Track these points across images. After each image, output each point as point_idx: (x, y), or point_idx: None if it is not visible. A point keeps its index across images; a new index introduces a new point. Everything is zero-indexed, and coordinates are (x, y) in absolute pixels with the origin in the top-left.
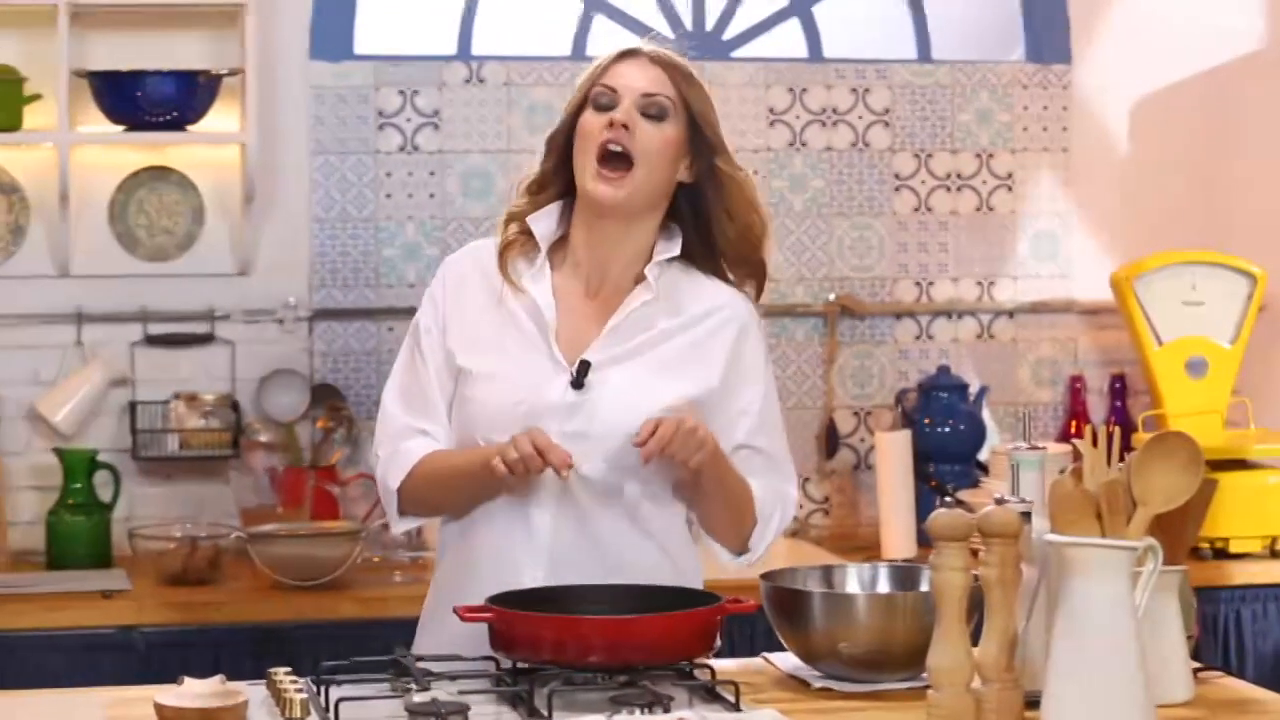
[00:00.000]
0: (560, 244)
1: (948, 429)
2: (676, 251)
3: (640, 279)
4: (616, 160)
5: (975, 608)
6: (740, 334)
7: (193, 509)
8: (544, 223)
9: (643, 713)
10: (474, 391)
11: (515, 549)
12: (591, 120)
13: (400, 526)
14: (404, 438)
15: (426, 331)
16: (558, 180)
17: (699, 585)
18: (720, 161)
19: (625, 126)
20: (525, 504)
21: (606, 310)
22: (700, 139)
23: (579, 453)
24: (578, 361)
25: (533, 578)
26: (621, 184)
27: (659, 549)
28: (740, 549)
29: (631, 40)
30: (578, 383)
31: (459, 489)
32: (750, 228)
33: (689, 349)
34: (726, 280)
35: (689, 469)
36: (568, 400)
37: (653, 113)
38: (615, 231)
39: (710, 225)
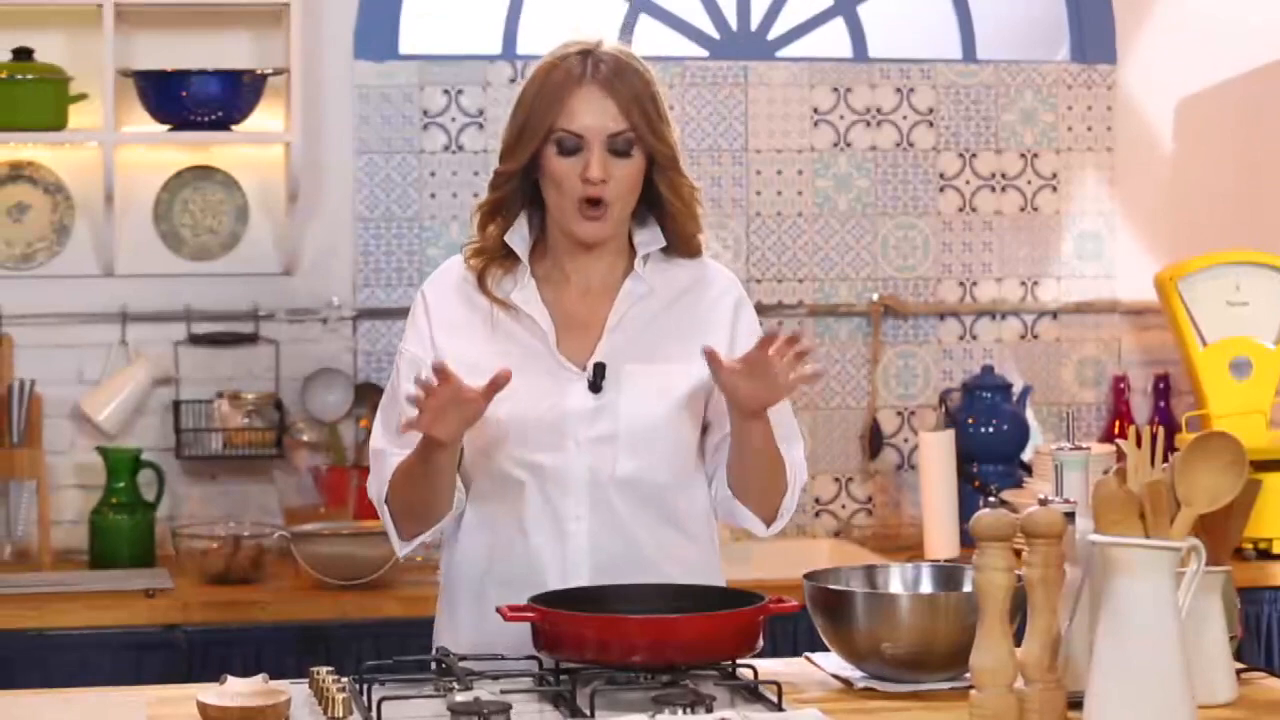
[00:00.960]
0: (537, 250)
1: (991, 429)
2: (662, 243)
3: (626, 273)
4: (596, 203)
5: (1018, 608)
6: (735, 308)
7: (236, 508)
8: (520, 242)
9: (685, 712)
10: (495, 410)
11: (553, 559)
12: (562, 167)
13: (404, 550)
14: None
15: (415, 362)
16: (514, 205)
17: (721, 576)
18: (674, 175)
19: (604, 181)
20: (562, 518)
21: (600, 307)
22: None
23: (610, 457)
24: (592, 365)
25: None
26: (604, 222)
27: (693, 542)
28: (771, 518)
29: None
30: (596, 386)
31: (421, 474)
32: (693, 227)
33: (691, 332)
34: (696, 255)
35: (780, 393)
36: (589, 405)
37: (620, 149)
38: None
39: (664, 218)
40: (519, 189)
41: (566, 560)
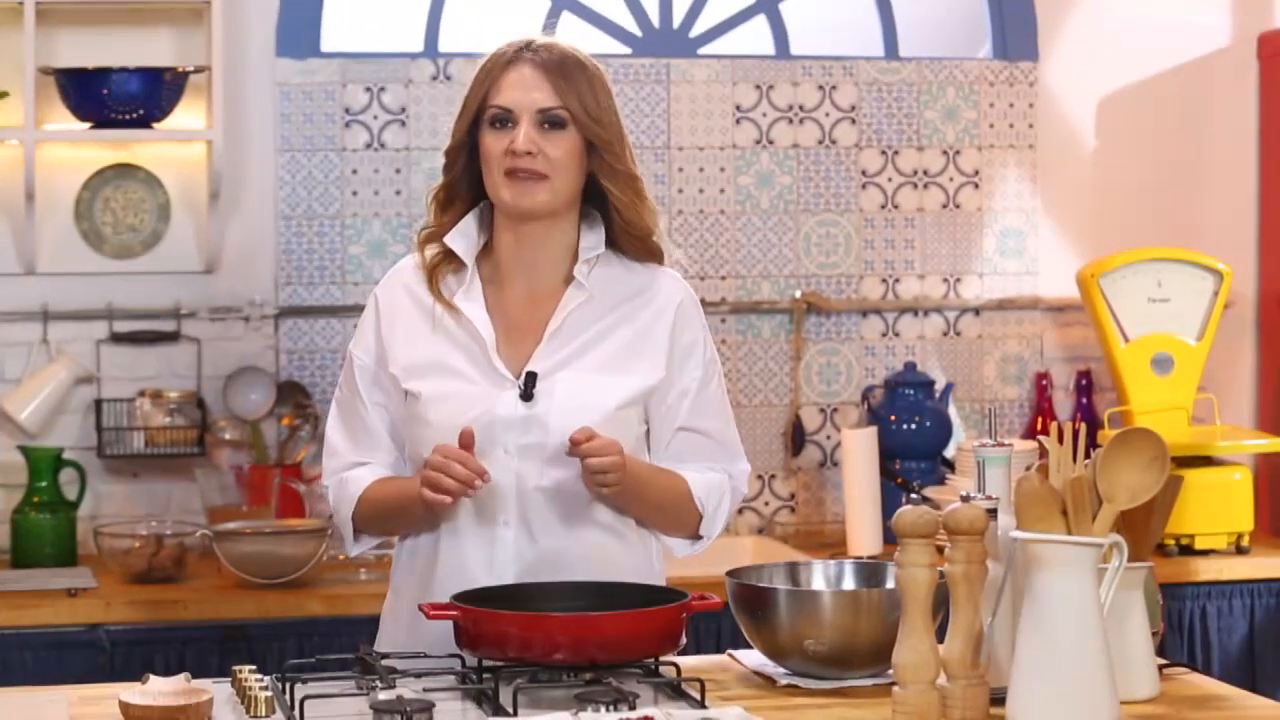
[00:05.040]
0: (485, 252)
1: (914, 426)
2: (602, 248)
3: (571, 279)
4: (529, 174)
5: (941, 604)
6: (678, 316)
7: (158, 507)
8: (462, 240)
9: (608, 710)
10: (427, 414)
11: (482, 565)
12: (493, 142)
13: (355, 550)
14: (347, 470)
15: (361, 366)
16: (466, 189)
17: (662, 574)
18: (611, 159)
19: (530, 154)
20: (491, 523)
21: (543, 314)
22: (592, 141)
23: (537, 466)
24: (524, 374)
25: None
26: (537, 190)
27: (626, 547)
28: (691, 539)
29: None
30: (526, 394)
31: (405, 518)
32: (641, 219)
33: (632, 342)
34: (655, 260)
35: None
36: (520, 414)
37: (553, 122)
38: (538, 232)
39: (611, 214)
40: (466, 174)
41: (495, 565)
